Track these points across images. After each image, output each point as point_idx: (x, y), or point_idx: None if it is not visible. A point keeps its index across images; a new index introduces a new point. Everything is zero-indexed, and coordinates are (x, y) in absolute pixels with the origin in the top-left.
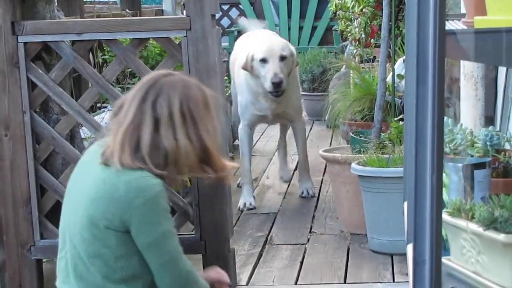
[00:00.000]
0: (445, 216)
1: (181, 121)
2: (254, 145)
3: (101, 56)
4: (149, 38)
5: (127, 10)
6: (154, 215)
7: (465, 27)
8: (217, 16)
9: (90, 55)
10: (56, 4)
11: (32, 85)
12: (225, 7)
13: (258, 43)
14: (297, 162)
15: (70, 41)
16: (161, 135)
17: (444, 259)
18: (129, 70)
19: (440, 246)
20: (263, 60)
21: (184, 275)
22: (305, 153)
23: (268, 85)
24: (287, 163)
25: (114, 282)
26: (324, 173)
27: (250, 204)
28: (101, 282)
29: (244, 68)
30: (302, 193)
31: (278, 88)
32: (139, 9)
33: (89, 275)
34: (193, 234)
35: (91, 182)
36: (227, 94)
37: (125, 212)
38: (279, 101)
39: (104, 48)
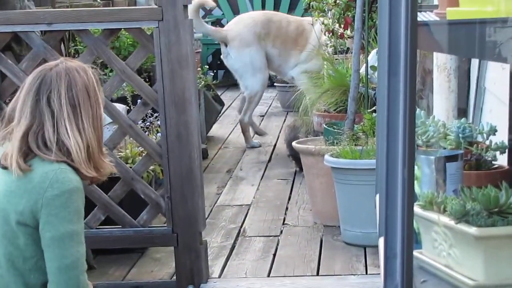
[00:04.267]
0: (416, 209)
1: (72, 113)
2: (227, 137)
3: (73, 46)
4: (120, 29)
5: (99, 0)
6: (65, 210)
7: (437, 18)
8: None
9: (62, 45)
10: None
11: (1, 76)
12: None
13: None
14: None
15: (40, 31)
16: (59, 132)
17: (415, 253)
18: (101, 61)
19: (411, 240)
20: None
21: None
22: None
23: None
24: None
25: (22, 287)
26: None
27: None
28: (10, 286)
29: None
30: None
31: None
32: None
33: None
34: (165, 227)
35: (5, 181)
36: (200, 85)
37: (36, 203)
38: None
39: (76, 39)
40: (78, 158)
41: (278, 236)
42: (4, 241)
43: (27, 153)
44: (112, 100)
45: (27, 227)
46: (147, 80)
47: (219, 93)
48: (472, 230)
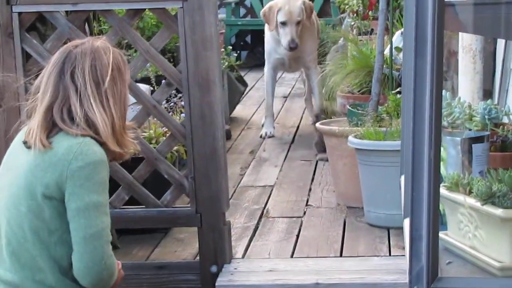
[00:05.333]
0: (442, 190)
1: (96, 90)
2: (250, 118)
3: (98, 27)
4: (144, 9)
5: None
6: (90, 181)
7: None
8: None
9: (86, 25)
10: None
11: (26, 56)
12: None
13: (281, 2)
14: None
15: (65, 11)
16: (85, 107)
17: (441, 234)
18: (125, 41)
19: (437, 222)
20: (283, 23)
21: (105, 259)
22: (321, 96)
23: (285, 45)
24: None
25: (48, 260)
26: None
27: (271, 132)
28: (35, 259)
29: (265, 19)
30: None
31: (292, 49)
32: None
33: (24, 251)
34: (188, 207)
35: (29, 157)
36: (224, 66)
37: (61, 175)
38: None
39: (100, 19)
40: (105, 133)
41: (301, 217)
42: (30, 215)
43: (50, 129)
44: (136, 81)
45: (53, 200)
46: (171, 60)
47: (242, 74)
48: (498, 211)
